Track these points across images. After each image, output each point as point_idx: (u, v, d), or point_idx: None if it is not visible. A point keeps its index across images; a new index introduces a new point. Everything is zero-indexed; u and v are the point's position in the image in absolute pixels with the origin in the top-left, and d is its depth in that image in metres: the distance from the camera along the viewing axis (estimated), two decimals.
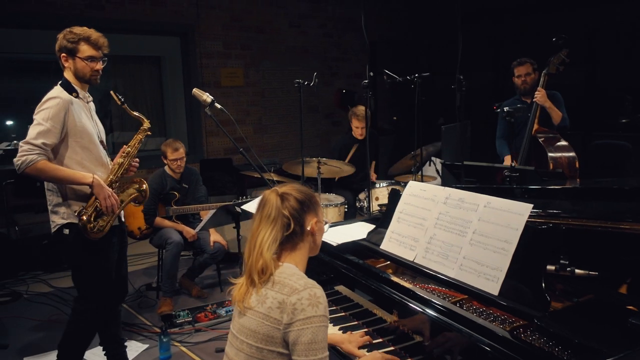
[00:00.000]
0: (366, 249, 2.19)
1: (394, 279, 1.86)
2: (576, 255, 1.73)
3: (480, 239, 1.74)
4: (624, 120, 7.00)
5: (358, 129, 4.76)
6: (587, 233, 1.67)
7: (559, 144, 3.58)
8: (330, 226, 2.51)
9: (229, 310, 3.84)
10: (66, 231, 2.58)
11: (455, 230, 1.84)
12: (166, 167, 4.10)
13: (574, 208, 1.86)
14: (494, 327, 1.50)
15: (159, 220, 4.02)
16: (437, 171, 4.72)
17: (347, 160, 4.66)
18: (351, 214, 4.61)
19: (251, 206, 3.33)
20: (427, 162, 4.85)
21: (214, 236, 4.11)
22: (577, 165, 3.58)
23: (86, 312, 2.71)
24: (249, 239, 1.59)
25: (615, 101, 6.87)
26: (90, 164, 2.62)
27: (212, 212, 3.69)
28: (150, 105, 7.17)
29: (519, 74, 3.92)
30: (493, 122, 4.41)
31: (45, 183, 2.59)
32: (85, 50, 2.57)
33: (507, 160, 3.99)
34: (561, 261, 1.73)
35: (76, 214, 2.54)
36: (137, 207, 4.06)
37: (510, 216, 1.67)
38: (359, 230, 2.36)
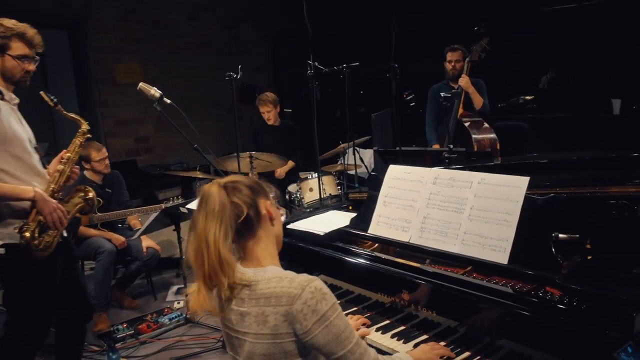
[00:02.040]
0: (354, 236, 2.21)
1: (400, 260, 1.91)
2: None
3: (479, 213, 1.84)
4: (501, 105, 7.75)
5: (264, 113, 4.82)
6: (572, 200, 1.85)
7: (481, 127, 3.89)
8: (302, 218, 2.49)
9: (173, 318, 3.65)
10: (1, 251, 2.25)
11: (450, 208, 1.93)
12: (86, 172, 3.75)
13: (551, 178, 2.05)
14: (510, 290, 1.62)
15: (83, 229, 3.68)
16: (361, 159, 4.86)
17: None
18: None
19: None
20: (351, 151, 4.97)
21: (147, 242, 3.86)
22: (497, 146, 3.91)
23: (20, 339, 2.40)
24: (192, 241, 1.41)
25: (496, 86, 7.56)
26: (25, 175, 2.31)
27: (152, 216, 3.46)
28: (35, 107, 6.48)
29: (450, 59, 4.15)
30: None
31: None
32: (18, 47, 2.26)
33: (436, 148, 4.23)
34: None
35: (16, 231, 2.24)
36: None
37: (508, 190, 1.79)
38: (338, 219, 2.37)
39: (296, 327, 1.35)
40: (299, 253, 2.31)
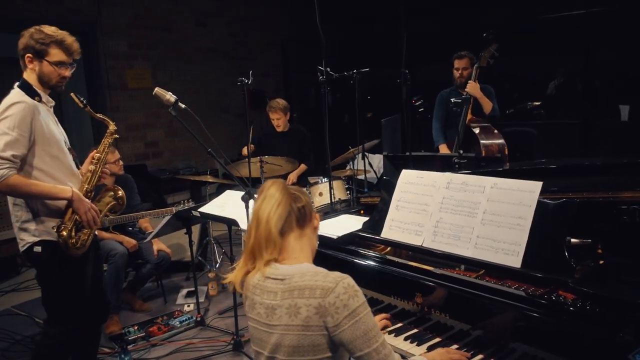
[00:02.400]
0: (367, 239, 2.23)
1: (413, 263, 1.94)
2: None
3: (492, 218, 1.86)
4: (509, 111, 7.77)
5: (274, 120, 4.84)
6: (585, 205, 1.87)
7: (490, 132, 3.90)
8: None
9: (183, 321, 3.68)
10: (38, 249, 2.34)
11: (463, 213, 1.95)
12: None
13: (563, 183, 2.07)
14: (523, 293, 1.63)
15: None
16: (370, 164, 4.89)
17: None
18: None
19: (210, 208, 3.22)
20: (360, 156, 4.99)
21: (158, 245, 3.90)
22: (506, 151, 3.92)
23: (60, 335, 2.49)
24: (251, 221, 1.54)
25: (503, 92, 7.58)
26: (62, 175, 2.40)
27: (165, 219, 3.50)
28: None
29: (457, 66, 4.15)
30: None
31: (10, 197, 2.32)
32: (56, 54, 2.35)
33: (443, 149, 4.25)
34: None
35: (54, 229, 2.33)
36: None
37: (521, 194, 1.81)
38: (350, 223, 2.40)
39: (327, 320, 1.39)
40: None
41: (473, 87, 3.88)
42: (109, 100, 6.47)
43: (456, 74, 4.15)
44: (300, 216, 1.54)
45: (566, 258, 1.66)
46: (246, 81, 3.78)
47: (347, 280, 1.42)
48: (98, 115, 2.62)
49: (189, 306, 3.98)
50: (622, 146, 6.34)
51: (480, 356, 1.68)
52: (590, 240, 1.91)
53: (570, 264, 1.65)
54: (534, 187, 1.79)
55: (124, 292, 3.92)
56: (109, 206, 2.66)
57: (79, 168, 2.58)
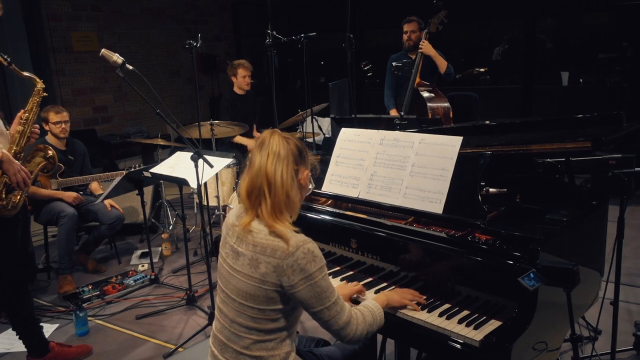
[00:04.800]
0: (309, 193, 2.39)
1: (349, 213, 2.12)
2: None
3: (419, 170, 2.05)
4: (458, 76, 8.03)
5: (246, 77, 4.92)
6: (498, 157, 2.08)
7: (437, 95, 4.10)
8: None
9: (138, 279, 3.79)
10: None
11: (394, 166, 2.13)
12: (48, 137, 3.79)
13: (484, 139, 2.28)
14: (444, 235, 1.84)
15: (33, 189, 3.64)
16: (320, 127, 5.03)
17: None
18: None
19: (160, 169, 3.30)
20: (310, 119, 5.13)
21: (110, 202, 3.93)
22: (451, 114, 4.14)
23: None
24: (251, 173, 1.55)
25: (453, 58, 7.81)
26: None
27: (116, 180, 3.54)
28: None
29: (406, 30, 4.31)
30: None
31: None
32: None
33: (393, 113, 4.43)
34: None
35: None
36: None
37: (444, 148, 2.00)
38: None
39: (283, 280, 1.49)
40: None
41: (427, 46, 4.04)
42: (54, 63, 6.31)
43: (404, 37, 4.30)
44: (296, 173, 1.58)
45: (480, 204, 1.87)
46: (194, 44, 3.80)
47: (308, 245, 1.50)
48: (24, 73, 2.55)
49: (143, 266, 4.08)
50: (560, 110, 6.75)
51: None
52: (505, 190, 2.14)
53: (483, 209, 1.86)
54: (455, 142, 1.98)
55: (77, 253, 3.98)
56: (40, 166, 2.60)
57: (7, 128, 2.54)
